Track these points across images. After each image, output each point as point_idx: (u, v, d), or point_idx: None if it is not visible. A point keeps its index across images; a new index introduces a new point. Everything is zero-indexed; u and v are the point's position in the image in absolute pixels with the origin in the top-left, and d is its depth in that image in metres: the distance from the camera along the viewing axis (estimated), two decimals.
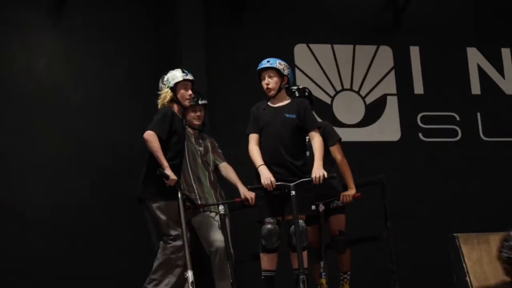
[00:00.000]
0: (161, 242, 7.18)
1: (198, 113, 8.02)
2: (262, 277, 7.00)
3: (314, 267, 7.59)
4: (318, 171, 6.90)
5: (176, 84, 7.35)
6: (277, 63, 7.23)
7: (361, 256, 8.31)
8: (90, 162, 9.00)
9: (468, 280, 7.66)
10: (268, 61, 7.23)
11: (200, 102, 8.01)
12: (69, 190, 8.87)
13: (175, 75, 7.39)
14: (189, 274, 6.81)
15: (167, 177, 6.98)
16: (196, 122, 8.02)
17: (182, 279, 7.13)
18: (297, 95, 7.84)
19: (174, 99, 7.36)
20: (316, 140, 7.13)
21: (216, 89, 9.32)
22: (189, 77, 7.42)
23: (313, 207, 7.27)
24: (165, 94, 7.36)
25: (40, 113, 8.98)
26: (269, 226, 6.91)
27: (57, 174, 8.90)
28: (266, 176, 6.88)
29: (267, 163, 7.01)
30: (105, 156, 9.03)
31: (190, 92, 7.42)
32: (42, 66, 9.18)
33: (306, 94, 8.05)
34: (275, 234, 6.90)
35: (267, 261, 6.99)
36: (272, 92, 7.15)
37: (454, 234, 7.89)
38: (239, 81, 9.45)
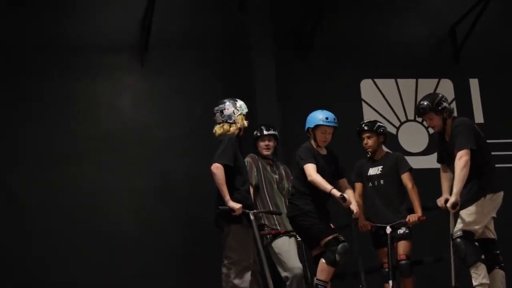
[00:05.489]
0: (223, 268, 7.09)
1: (267, 142, 8.00)
2: (321, 286, 7.05)
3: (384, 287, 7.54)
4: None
5: (246, 112, 7.37)
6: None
7: (427, 278, 8.23)
8: (172, 193, 9.09)
9: None
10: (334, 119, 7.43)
11: (265, 132, 8.01)
12: (154, 219, 8.96)
13: (245, 105, 7.38)
14: None
15: (231, 210, 6.96)
16: (266, 152, 7.99)
17: None
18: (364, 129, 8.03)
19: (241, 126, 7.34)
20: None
21: (288, 123, 9.34)
22: None
23: (388, 229, 7.50)
24: (243, 120, 7.29)
25: (126, 150, 9.10)
26: (346, 244, 6.98)
27: (143, 205, 9.00)
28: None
29: None
30: (187, 188, 9.10)
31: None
32: (127, 105, 9.31)
33: (382, 131, 8.05)
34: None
35: (328, 273, 7.03)
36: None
37: None
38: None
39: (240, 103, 7.36)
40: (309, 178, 7.11)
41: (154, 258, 8.86)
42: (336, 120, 7.31)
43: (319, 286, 7.02)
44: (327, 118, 7.28)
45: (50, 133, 8.98)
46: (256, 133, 8.04)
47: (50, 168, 8.86)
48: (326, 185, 7.04)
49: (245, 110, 7.35)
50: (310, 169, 7.14)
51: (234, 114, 7.29)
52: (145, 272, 8.78)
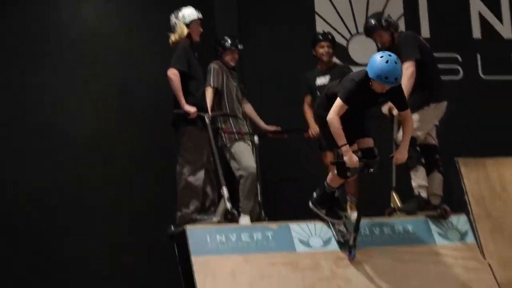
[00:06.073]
0: (178, 166, 7.43)
1: (236, 56, 8.29)
2: (334, 192, 7.30)
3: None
4: None
5: (191, 21, 7.58)
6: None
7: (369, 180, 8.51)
8: (131, 100, 9.13)
9: (467, 199, 7.95)
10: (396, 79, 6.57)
11: (239, 47, 8.28)
12: (112, 127, 8.99)
13: (191, 13, 7.59)
14: (225, 191, 7.21)
15: (186, 114, 7.26)
16: (233, 64, 8.27)
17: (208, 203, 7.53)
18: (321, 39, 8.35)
19: (187, 35, 7.56)
20: None
21: (246, 32, 9.36)
22: (201, 15, 7.65)
23: None
24: (182, 29, 7.53)
25: (86, 58, 9.04)
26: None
27: (100, 115, 9.00)
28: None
29: None
30: (146, 96, 9.12)
31: (201, 29, 7.67)
32: (87, 15, 9.22)
33: (330, 37, 8.46)
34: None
35: (338, 183, 7.23)
36: None
37: (455, 158, 8.13)
38: (267, 25, 9.68)
39: (183, 12, 7.59)
40: (328, 116, 6.71)
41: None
42: (398, 80, 6.55)
43: (326, 189, 7.26)
44: (386, 78, 6.48)
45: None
46: (225, 45, 8.25)
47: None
48: (339, 139, 6.70)
49: (188, 18, 7.55)
50: (335, 107, 6.69)
51: (176, 24, 7.57)
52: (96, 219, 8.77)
